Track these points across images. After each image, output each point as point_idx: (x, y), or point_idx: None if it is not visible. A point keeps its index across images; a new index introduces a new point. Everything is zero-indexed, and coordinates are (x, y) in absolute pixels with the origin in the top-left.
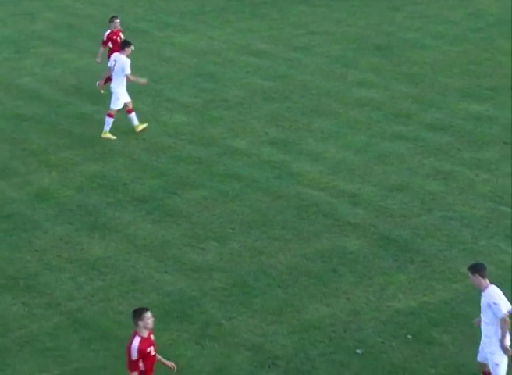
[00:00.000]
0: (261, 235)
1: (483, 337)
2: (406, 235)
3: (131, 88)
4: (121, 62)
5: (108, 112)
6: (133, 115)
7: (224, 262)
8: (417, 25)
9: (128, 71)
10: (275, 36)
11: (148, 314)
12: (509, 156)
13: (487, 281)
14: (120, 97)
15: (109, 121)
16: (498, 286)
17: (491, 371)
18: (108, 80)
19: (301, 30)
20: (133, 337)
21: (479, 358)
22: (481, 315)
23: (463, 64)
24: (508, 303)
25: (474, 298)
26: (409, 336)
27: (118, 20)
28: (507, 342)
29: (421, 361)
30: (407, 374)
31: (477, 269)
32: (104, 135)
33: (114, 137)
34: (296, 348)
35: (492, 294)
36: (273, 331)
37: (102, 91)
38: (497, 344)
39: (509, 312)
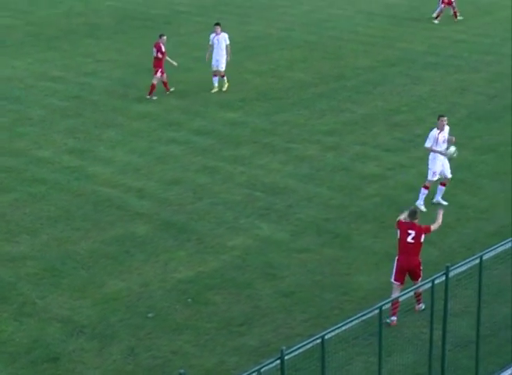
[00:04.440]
0: (65, 227)
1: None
2: (183, 219)
3: None
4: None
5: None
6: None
7: (35, 251)
8: (181, 51)
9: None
10: (67, 64)
11: None
12: (258, 152)
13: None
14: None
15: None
16: (257, 256)
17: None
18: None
19: (89, 59)
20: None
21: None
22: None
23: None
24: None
25: (239, 265)
26: (189, 299)
27: None
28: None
29: (199, 319)
30: (189, 330)
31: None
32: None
33: None
34: (100, 317)
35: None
36: (79, 305)
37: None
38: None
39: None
